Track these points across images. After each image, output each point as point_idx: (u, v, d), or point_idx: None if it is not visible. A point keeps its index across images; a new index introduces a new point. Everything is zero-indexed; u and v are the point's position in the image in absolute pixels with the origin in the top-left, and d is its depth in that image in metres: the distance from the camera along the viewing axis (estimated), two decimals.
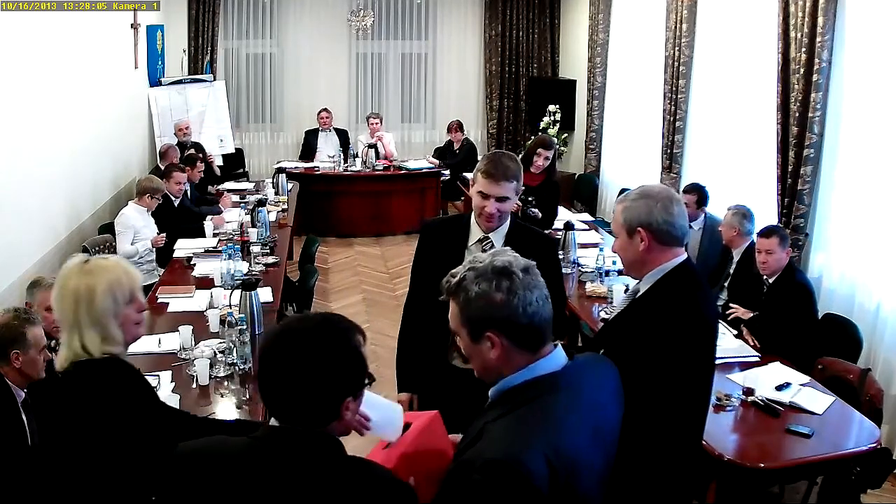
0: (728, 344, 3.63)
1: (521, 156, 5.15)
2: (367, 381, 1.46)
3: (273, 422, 1.44)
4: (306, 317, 1.47)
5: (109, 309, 1.84)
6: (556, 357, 1.54)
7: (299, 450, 1.38)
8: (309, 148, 8.61)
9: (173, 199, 5.73)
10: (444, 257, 2.59)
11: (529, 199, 4.91)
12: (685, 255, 2.09)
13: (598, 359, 1.70)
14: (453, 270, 1.57)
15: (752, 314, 3.87)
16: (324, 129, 8.61)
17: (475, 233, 2.64)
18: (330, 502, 1.36)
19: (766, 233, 3.93)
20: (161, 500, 1.46)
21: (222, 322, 3.67)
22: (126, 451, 1.75)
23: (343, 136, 8.71)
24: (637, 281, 2.14)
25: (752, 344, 3.72)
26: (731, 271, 4.38)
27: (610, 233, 4.26)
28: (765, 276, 3.93)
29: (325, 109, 8.64)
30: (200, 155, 7.07)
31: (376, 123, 8.42)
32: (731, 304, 4.06)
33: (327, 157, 8.37)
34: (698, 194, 4.97)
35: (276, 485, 1.36)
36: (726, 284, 4.40)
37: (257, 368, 1.43)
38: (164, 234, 5.22)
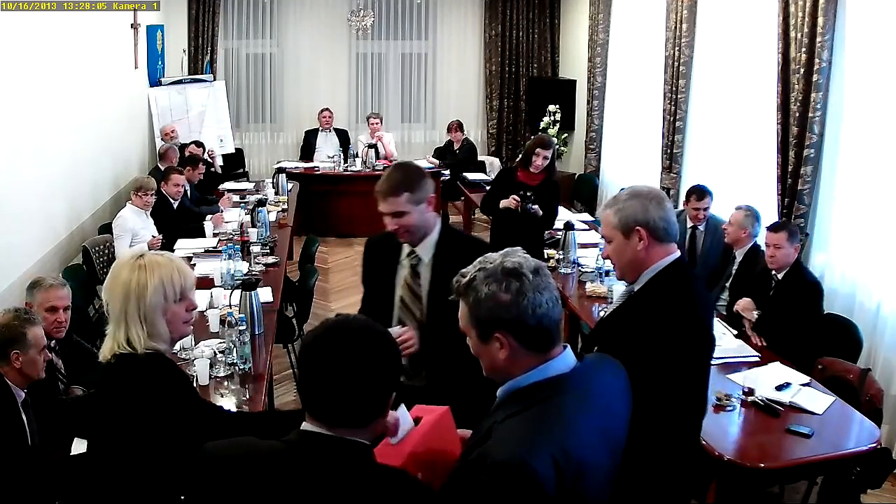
0: (728, 344, 3.63)
1: (520, 156, 5.15)
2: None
3: (305, 424, 1.44)
4: (347, 318, 1.48)
5: (159, 305, 1.83)
6: (566, 359, 1.54)
7: (333, 456, 1.38)
8: (309, 148, 8.62)
9: (172, 201, 5.73)
10: (381, 272, 2.60)
11: (528, 194, 4.90)
12: (678, 253, 2.10)
13: (606, 359, 1.70)
14: (463, 270, 1.56)
15: (756, 313, 3.85)
16: (324, 129, 8.61)
17: (406, 247, 2.57)
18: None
19: (776, 227, 3.95)
20: (188, 499, 1.46)
21: (222, 322, 3.67)
22: (160, 447, 1.75)
23: (343, 136, 8.72)
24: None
25: (757, 344, 3.71)
26: (734, 271, 4.38)
27: None
28: (773, 272, 3.92)
29: (326, 109, 8.65)
30: (201, 151, 7.07)
31: (376, 123, 8.42)
32: (736, 302, 4.01)
33: (327, 157, 8.37)
34: (711, 197, 4.93)
35: (310, 491, 1.37)
36: (727, 285, 4.39)
37: (302, 370, 1.43)
38: (160, 237, 5.21)
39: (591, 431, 1.47)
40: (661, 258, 2.05)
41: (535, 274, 1.50)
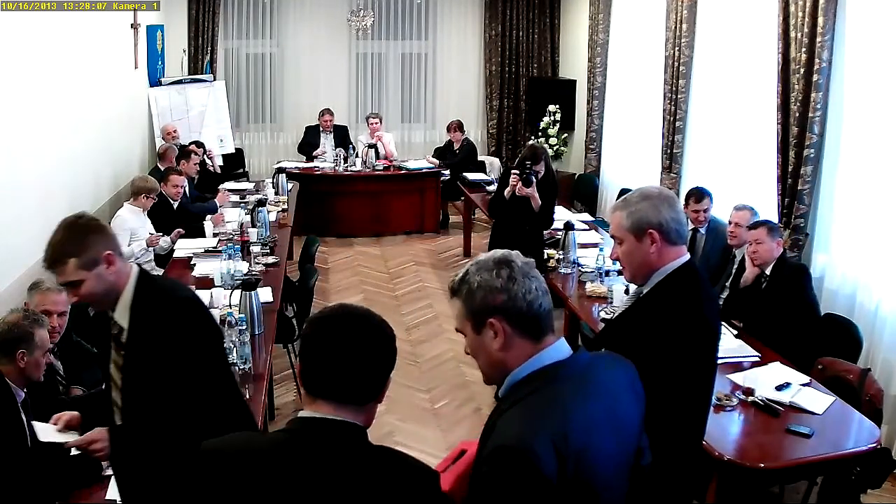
0: (728, 344, 3.63)
1: (516, 162, 5.16)
2: None
3: (303, 412, 1.48)
4: (351, 305, 1.56)
5: None
6: (559, 347, 1.56)
7: (336, 438, 1.43)
8: (309, 144, 8.48)
9: (171, 201, 5.73)
10: (102, 348, 2.27)
11: (527, 163, 4.89)
12: (688, 256, 2.09)
13: (614, 357, 1.71)
14: (458, 271, 1.59)
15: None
16: (325, 131, 8.52)
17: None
18: (369, 488, 1.41)
19: (754, 224, 4.06)
20: (190, 500, 1.48)
21: (222, 322, 3.66)
22: None
23: (342, 131, 8.59)
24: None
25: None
26: (734, 270, 4.38)
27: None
28: (761, 269, 3.98)
29: (327, 111, 8.49)
30: (201, 151, 7.05)
31: (375, 124, 8.39)
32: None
33: (329, 150, 8.28)
34: (711, 199, 4.94)
35: (317, 475, 1.41)
36: (728, 284, 4.40)
37: (308, 349, 1.48)
38: (160, 234, 5.20)
39: (592, 417, 1.49)
40: (671, 260, 2.05)
41: (524, 263, 1.56)
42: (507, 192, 4.95)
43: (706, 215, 4.85)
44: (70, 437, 2.26)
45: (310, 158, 8.39)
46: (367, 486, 1.41)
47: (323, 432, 1.44)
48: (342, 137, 8.52)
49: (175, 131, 7.57)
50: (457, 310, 1.59)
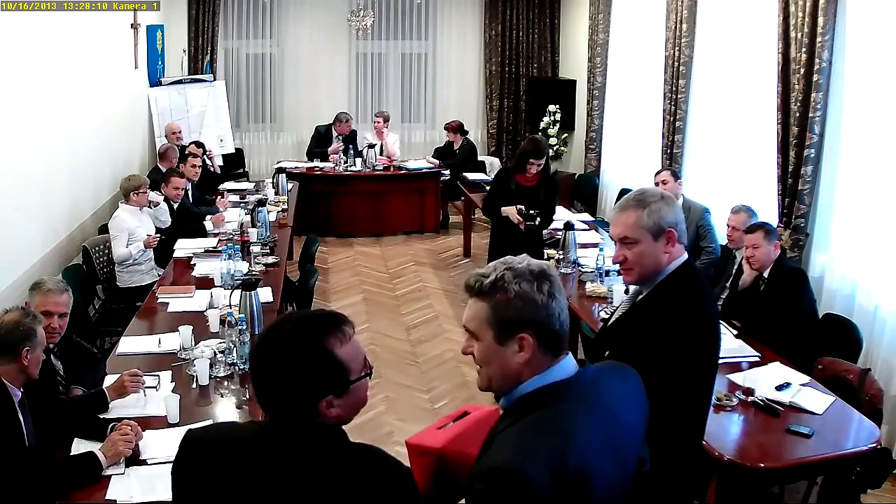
0: (728, 344, 3.62)
1: (515, 159, 5.16)
2: (363, 375, 1.50)
3: None
4: (284, 318, 1.52)
5: None
6: (566, 365, 1.52)
7: (299, 436, 1.44)
8: (325, 139, 8.35)
9: (172, 203, 5.73)
10: None
11: (531, 212, 4.91)
12: (687, 255, 2.09)
13: (618, 367, 1.68)
14: (482, 271, 1.52)
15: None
16: (339, 135, 8.42)
17: None
18: (332, 484, 1.41)
19: (752, 228, 4.04)
20: (173, 481, 1.52)
21: (222, 322, 3.68)
22: None
23: (352, 134, 8.52)
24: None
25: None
26: (734, 271, 4.38)
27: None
28: (759, 272, 3.99)
29: (347, 118, 8.38)
30: (200, 151, 7.05)
31: (378, 123, 8.35)
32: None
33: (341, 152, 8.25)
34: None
35: (281, 469, 1.42)
36: (727, 284, 4.40)
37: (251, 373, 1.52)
38: (157, 235, 5.19)
39: (595, 439, 1.45)
40: (674, 259, 2.05)
41: (559, 278, 1.52)
42: (504, 212, 4.98)
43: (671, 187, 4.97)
44: None
45: (324, 158, 8.25)
46: (336, 481, 1.41)
47: (285, 431, 1.45)
48: (351, 140, 8.47)
49: (179, 132, 7.54)
50: (478, 311, 1.50)
